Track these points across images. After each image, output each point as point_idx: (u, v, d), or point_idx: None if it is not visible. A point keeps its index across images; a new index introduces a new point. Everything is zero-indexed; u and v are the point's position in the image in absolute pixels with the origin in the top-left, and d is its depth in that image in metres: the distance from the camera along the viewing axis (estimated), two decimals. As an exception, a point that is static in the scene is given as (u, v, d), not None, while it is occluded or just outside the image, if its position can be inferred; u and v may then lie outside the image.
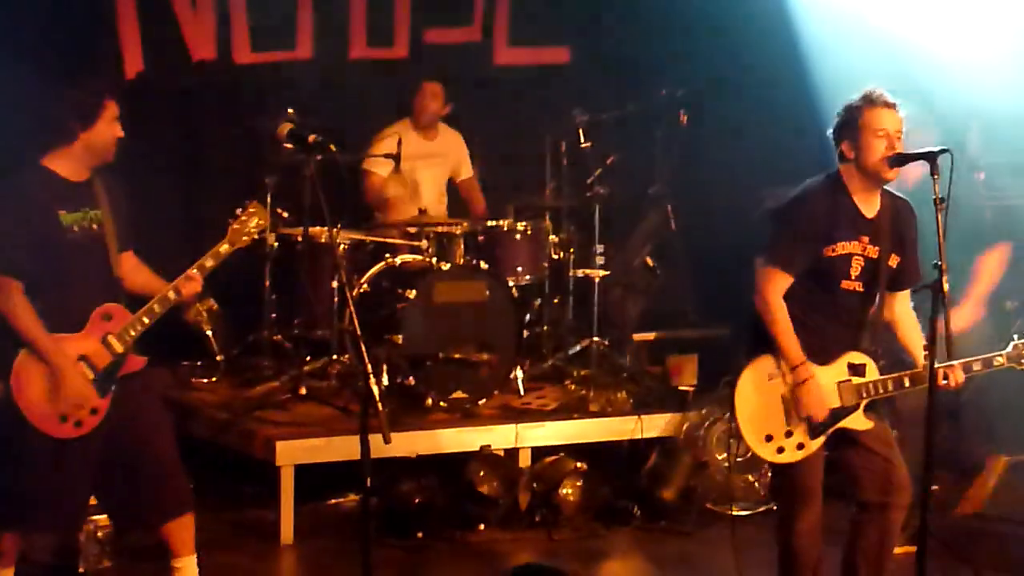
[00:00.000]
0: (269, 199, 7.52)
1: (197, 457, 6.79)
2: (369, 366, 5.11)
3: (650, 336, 8.62)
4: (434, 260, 7.71)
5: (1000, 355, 5.43)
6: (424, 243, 7.86)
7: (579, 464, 7.27)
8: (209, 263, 5.56)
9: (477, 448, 7.23)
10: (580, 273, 8.29)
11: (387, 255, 7.88)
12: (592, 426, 7.57)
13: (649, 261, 8.83)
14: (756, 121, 9.08)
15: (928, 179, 5.20)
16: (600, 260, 8.20)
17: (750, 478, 7.33)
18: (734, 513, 6.96)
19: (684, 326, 8.79)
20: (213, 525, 6.78)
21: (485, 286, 7.62)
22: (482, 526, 7.10)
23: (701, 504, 7.27)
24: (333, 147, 5.81)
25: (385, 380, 7.30)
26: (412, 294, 7.44)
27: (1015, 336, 5.48)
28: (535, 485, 7.25)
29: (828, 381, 5.42)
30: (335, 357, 7.77)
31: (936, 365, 5.17)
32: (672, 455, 7.40)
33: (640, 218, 8.96)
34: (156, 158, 8.40)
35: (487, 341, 7.53)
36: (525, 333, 7.90)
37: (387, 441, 5.09)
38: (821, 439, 5.44)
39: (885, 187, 5.45)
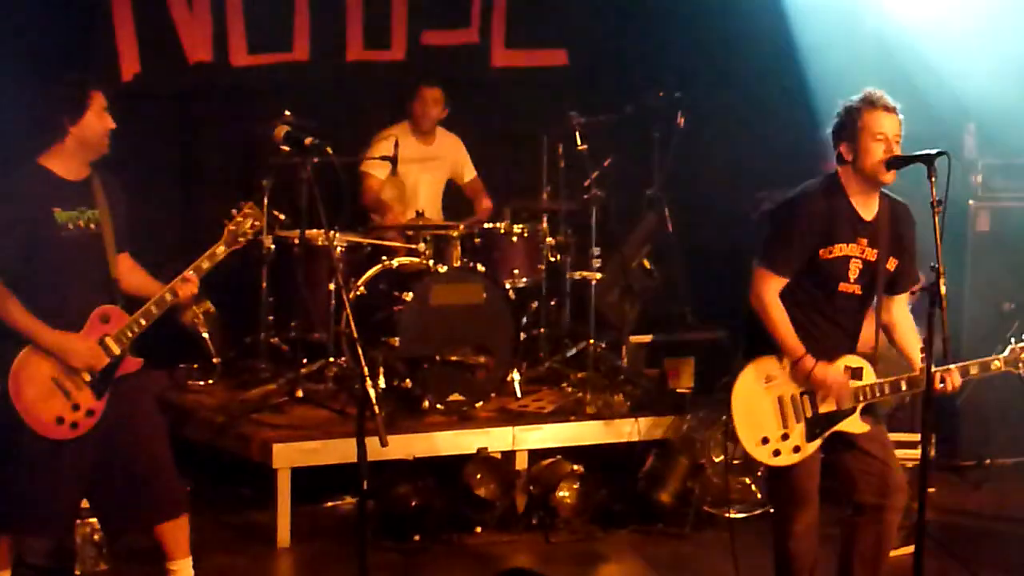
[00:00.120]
0: (266, 202, 7.49)
1: (194, 460, 6.82)
2: (366, 369, 5.12)
3: (647, 338, 8.60)
4: (431, 263, 7.70)
5: (997, 359, 5.42)
6: (421, 246, 7.85)
7: (576, 467, 7.27)
8: (205, 264, 5.56)
9: (474, 451, 7.22)
10: (577, 275, 8.27)
11: (384, 257, 7.87)
12: (589, 429, 7.55)
13: (646, 263, 8.81)
14: (754, 123, 9.09)
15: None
16: (597, 262, 8.19)
17: (747, 480, 7.32)
18: (731, 516, 6.95)
19: (681, 329, 8.76)
20: (209, 528, 6.80)
21: (482, 288, 7.62)
22: (479, 529, 7.10)
23: (698, 507, 7.25)
24: (330, 150, 5.81)
25: (382, 383, 7.30)
26: (409, 297, 7.43)
27: (1012, 339, 5.47)
28: (532, 488, 7.25)
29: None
30: (332, 360, 7.76)
31: (933, 369, 5.17)
32: (669, 458, 7.38)
33: (637, 220, 8.94)
34: (152, 160, 8.40)
35: (484, 344, 7.52)
36: (522, 335, 7.91)
37: (384, 444, 5.08)
38: (817, 442, 5.43)
39: (883, 190, 5.45)
